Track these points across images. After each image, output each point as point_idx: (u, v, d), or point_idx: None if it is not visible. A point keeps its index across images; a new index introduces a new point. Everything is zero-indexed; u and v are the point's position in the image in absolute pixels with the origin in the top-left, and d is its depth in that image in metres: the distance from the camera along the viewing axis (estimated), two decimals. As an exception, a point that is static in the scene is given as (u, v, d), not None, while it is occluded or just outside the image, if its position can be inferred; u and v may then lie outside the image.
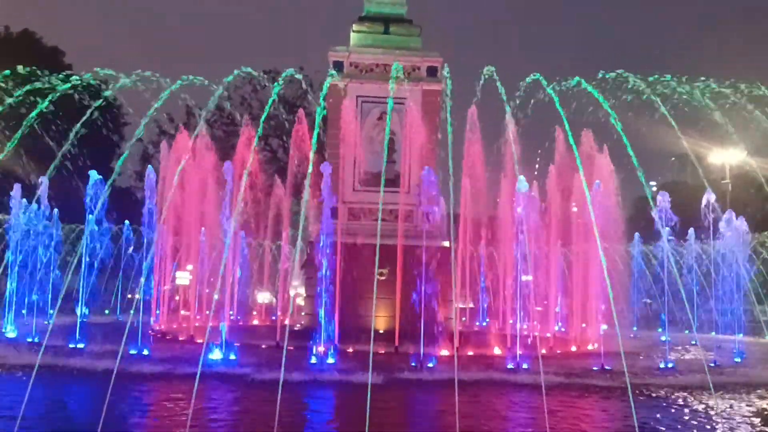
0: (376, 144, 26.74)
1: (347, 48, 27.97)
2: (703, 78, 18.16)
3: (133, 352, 19.61)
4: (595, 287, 24.77)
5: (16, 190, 27.59)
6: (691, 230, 29.93)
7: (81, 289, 26.21)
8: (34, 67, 18.78)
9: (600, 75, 18.39)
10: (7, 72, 18.73)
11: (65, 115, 21.61)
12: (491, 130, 23.70)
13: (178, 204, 27.30)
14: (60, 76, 18.69)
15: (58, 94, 17.62)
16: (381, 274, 23.31)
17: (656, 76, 17.94)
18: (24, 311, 29.33)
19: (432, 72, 27.36)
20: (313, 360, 19.13)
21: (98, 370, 15.59)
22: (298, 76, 24.17)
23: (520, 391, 16.28)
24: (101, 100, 20.87)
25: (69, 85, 18.32)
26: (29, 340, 23.02)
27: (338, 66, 27.29)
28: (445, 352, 20.92)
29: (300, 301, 32.34)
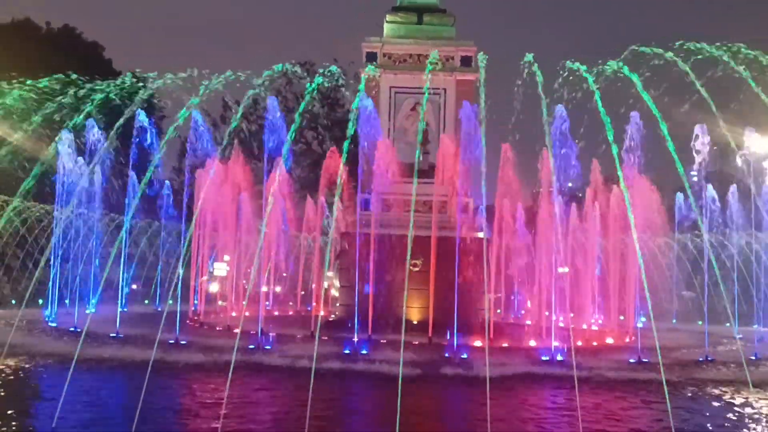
0: (409, 134, 26.65)
1: (381, 39, 27.90)
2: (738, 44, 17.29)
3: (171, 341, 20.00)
4: (633, 279, 24.37)
5: (65, 136, 25.61)
6: (732, 187, 28.85)
7: (122, 280, 26.80)
8: (76, 77, 19.28)
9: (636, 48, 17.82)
10: (45, 81, 19.26)
11: (106, 113, 22.13)
12: (527, 119, 23.34)
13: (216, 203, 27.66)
14: (101, 83, 19.22)
15: (99, 98, 18.08)
16: (415, 265, 23.32)
17: (695, 44, 17.14)
18: (67, 301, 30.08)
19: (466, 61, 27.12)
20: (347, 351, 19.25)
21: (138, 360, 15.95)
22: (335, 68, 24.13)
23: (553, 384, 16.15)
24: (142, 97, 21.27)
25: (111, 91, 18.78)
26: (71, 329, 23.63)
27: (371, 57, 27.26)
28: (478, 343, 20.82)
29: (334, 292, 32.56)
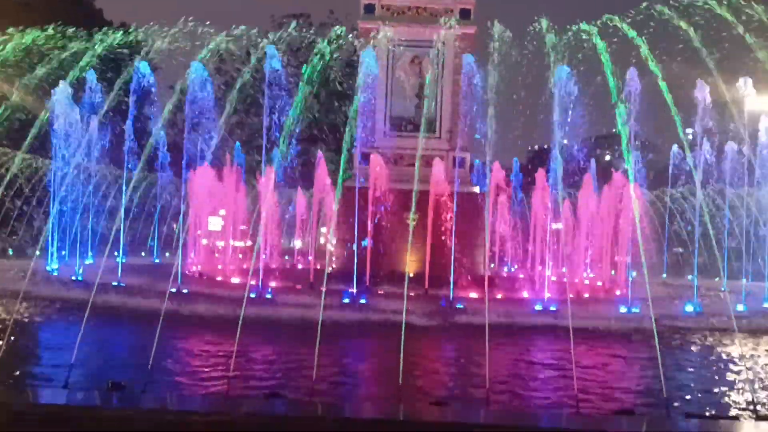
0: (407, 89, 26.60)
1: (379, -10, 27.50)
2: None
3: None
4: (625, 234, 24.78)
5: (63, 87, 24.76)
6: (729, 144, 28.89)
7: (122, 231, 27.01)
8: (74, 29, 19.12)
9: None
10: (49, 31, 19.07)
11: (104, 66, 22.01)
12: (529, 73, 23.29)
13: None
14: (99, 34, 19.06)
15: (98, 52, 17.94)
16: (412, 219, 23.64)
17: None
18: (64, 252, 30.31)
19: (465, 14, 26.82)
20: (346, 300, 19.69)
21: (143, 308, 16.32)
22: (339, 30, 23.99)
23: (545, 334, 16.65)
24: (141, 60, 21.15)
25: (112, 41, 18.65)
26: (73, 278, 23.96)
27: (369, 8, 26.95)
28: (473, 295, 21.32)
29: (330, 247, 32.95)
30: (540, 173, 26.62)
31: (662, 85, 13.22)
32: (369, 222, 24.14)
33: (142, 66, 22.40)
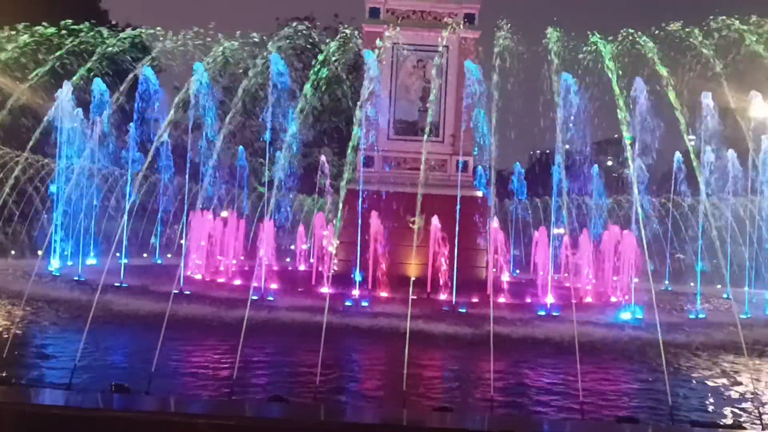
0: (411, 92, 26.66)
1: (385, -6, 27.58)
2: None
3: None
4: (628, 240, 24.75)
5: (65, 88, 24.83)
6: (730, 152, 28.81)
7: (124, 232, 27.02)
8: (80, 25, 19.19)
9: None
10: (52, 30, 19.13)
11: (108, 67, 22.08)
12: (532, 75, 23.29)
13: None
14: (105, 32, 19.13)
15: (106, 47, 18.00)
16: (414, 223, 23.66)
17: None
18: (66, 252, 30.29)
19: (469, 19, 26.88)
20: (348, 303, 19.68)
21: (147, 310, 16.33)
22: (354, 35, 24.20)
23: (549, 338, 16.60)
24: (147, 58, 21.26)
25: (115, 45, 18.73)
26: (75, 278, 23.95)
27: (375, 12, 27.05)
28: (475, 300, 21.31)
29: (331, 249, 32.97)
30: (542, 230, 26.86)
31: (670, 92, 13.23)
32: (371, 226, 24.15)
33: (147, 71, 22.41)
